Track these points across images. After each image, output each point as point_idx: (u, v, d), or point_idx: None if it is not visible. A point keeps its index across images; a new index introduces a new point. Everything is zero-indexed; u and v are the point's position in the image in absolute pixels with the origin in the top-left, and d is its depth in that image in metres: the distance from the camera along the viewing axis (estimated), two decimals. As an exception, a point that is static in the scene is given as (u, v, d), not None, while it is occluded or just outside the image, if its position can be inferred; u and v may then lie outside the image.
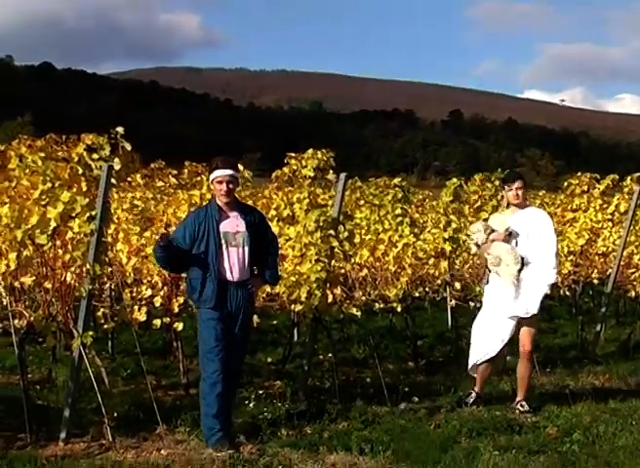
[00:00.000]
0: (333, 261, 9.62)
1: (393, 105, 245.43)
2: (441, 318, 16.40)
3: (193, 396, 9.53)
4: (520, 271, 9.22)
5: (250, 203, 10.81)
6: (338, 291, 9.81)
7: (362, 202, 13.62)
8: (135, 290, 9.44)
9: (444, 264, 12.11)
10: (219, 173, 7.82)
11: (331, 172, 9.88)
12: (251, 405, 9.02)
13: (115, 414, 8.28)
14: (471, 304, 11.73)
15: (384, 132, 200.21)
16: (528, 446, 7.80)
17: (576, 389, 10.25)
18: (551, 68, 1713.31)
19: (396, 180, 13.02)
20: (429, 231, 12.69)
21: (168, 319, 9.37)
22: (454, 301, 12.26)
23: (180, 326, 9.47)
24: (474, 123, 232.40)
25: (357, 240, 11.20)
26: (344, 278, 10.78)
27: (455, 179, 12.75)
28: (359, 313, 10.03)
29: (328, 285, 9.48)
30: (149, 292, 9.23)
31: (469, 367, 9.66)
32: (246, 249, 7.84)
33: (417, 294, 12.10)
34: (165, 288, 9.47)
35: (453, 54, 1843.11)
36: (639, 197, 13.07)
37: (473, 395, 9.57)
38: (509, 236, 9.37)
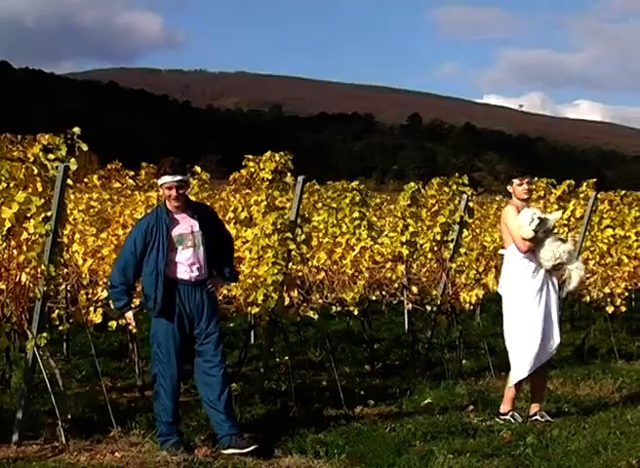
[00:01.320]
0: (290, 264, 9.62)
1: (353, 109, 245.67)
2: (398, 321, 16.50)
3: (149, 398, 9.49)
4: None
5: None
6: (295, 293, 9.79)
7: (320, 205, 13.66)
8: (91, 291, 9.38)
9: (401, 268, 12.14)
10: (167, 179, 7.67)
11: (289, 174, 9.87)
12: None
13: (69, 417, 8.19)
14: (428, 308, 11.77)
15: (343, 135, 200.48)
16: (482, 449, 7.82)
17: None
18: (511, 74, 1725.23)
19: (354, 184, 13.05)
20: (387, 235, 12.71)
21: (124, 321, 9.31)
22: (410, 305, 12.29)
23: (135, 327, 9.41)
24: (433, 127, 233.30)
25: (314, 243, 11.21)
26: (301, 281, 10.77)
27: (412, 183, 12.78)
28: (316, 316, 10.05)
29: (285, 287, 9.48)
30: (105, 293, 9.15)
31: (517, 378, 9.06)
32: (201, 248, 7.75)
33: (374, 298, 12.12)
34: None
35: (413, 57, 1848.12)
36: (594, 203, 13.21)
37: (517, 415, 9.08)
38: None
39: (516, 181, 9.07)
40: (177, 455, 7.36)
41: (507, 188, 9.30)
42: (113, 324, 9.18)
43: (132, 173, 12.37)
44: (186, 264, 7.72)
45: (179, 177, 7.66)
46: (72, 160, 7.84)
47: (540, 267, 8.89)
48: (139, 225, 7.89)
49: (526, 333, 8.92)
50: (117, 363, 11.74)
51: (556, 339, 9.02)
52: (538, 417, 9.01)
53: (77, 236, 10.29)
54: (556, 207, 14.59)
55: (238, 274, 8.58)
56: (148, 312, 8.09)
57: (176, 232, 7.70)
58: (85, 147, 8.00)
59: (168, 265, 7.64)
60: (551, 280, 8.99)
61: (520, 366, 8.96)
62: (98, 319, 8.94)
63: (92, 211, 11.30)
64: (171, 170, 7.67)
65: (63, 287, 9.82)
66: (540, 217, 8.71)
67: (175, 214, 7.76)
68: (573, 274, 9.04)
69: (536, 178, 15.03)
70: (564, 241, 9.26)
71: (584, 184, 14.99)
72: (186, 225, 7.76)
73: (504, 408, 9.08)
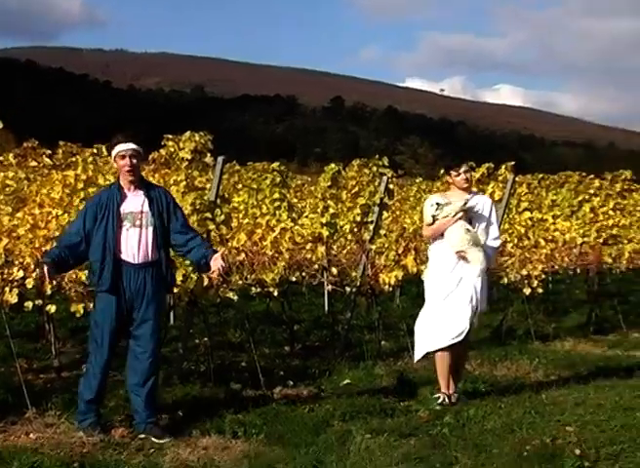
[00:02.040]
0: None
1: (275, 91, 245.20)
2: (318, 303, 16.52)
3: (65, 379, 9.43)
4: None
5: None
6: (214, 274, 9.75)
7: (240, 186, 13.64)
8: (6, 271, 9.20)
9: (321, 249, 12.16)
10: (121, 147, 7.50)
11: (208, 155, 9.81)
12: (125, 390, 8.94)
13: (-17, 398, 8.10)
14: (347, 289, 11.82)
15: (266, 117, 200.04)
16: (400, 429, 7.88)
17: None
18: (434, 57, 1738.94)
19: (275, 165, 13.07)
20: (307, 216, 12.72)
21: (40, 301, 9.18)
22: (330, 286, 12.33)
23: (52, 308, 9.25)
24: (355, 110, 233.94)
25: (234, 224, 11.17)
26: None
27: (333, 165, 12.82)
28: (236, 297, 10.01)
29: (204, 268, 9.42)
30: (21, 273, 9.00)
31: (417, 357, 9.24)
32: (149, 229, 7.53)
33: (294, 279, 12.11)
34: (37, 269, 9.26)
35: (336, 40, 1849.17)
36: (513, 186, 13.38)
37: (441, 397, 9.01)
38: (464, 214, 8.96)
39: (453, 173, 9.11)
40: (93, 436, 7.31)
41: (447, 180, 9.39)
42: (29, 304, 9.04)
43: (49, 151, 12.20)
44: (131, 245, 7.49)
45: (132, 146, 7.52)
46: (-14, 137, 7.71)
47: (451, 254, 8.92)
48: (90, 202, 7.70)
49: (425, 313, 9.11)
50: (33, 344, 11.58)
51: (461, 325, 8.89)
52: (440, 400, 8.96)
53: (-8, 215, 10.10)
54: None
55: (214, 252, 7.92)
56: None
57: (125, 209, 7.50)
58: (0, 125, 7.87)
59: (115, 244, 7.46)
60: (470, 268, 8.90)
61: (418, 343, 9.15)
62: (13, 299, 8.77)
63: (7, 189, 11.10)
64: (124, 139, 7.55)
65: (-23, 267, 9.66)
66: (437, 203, 8.91)
67: (127, 191, 7.58)
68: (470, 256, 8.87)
69: (473, 164, 15.10)
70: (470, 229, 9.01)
71: (503, 167, 15.18)
72: (136, 204, 7.55)
73: (437, 391, 9.11)
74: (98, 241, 7.44)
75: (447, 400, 8.94)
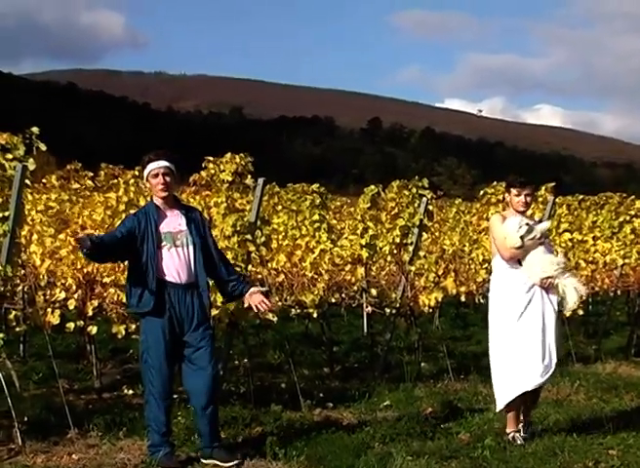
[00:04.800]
0: (249, 266, 9.62)
1: (313, 112, 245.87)
2: (357, 324, 16.52)
3: (106, 400, 9.48)
4: None
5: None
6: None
7: (280, 207, 13.66)
8: (48, 292, 9.28)
9: (360, 271, 12.15)
10: (152, 165, 7.33)
11: (249, 176, 9.85)
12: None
13: (25, 418, 8.17)
14: (387, 311, 11.78)
15: (304, 139, 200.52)
16: (440, 451, 7.84)
17: (488, 396, 10.34)
18: (473, 78, 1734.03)
19: (314, 186, 13.08)
20: (346, 237, 12.71)
21: (82, 322, 9.23)
22: (370, 308, 12.29)
23: (94, 329, 9.31)
24: (393, 131, 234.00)
25: (274, 245, 11.21)
26: (261, 283, 10.75)
27: (372, 186, 12.81)
28: (275, 318, 10.02)
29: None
30: (63, 294, 9.07)
31: (502, 404, 8.30)
32: (190, 248, 7.36)
33: (333, 300, 12.12)
34: (79, 290, 9.33)
35: (375, 61, 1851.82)
36: (553, 207, 13.31)
37: (518, 436, 8.31)
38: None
39: (514, 191, 8.40)
40: (135, 458, 7.32)
41: (504, 196, 8.74)
42: (71, 325, 9.11)
43: (91, 173, 12.31)
44: (173, 265, 7.33)
45: (164, 163, 7.34)
46: (30, 160, 7.80)
47: (530, 280, 8.21)
48: (127, 218, 7.56)
49: (509, 352, 8.19)
50: (74, 365, 11.67)
51: (551, 360, 8.14)
52: (510, 437, 8.29)
53: (35, 237, 10.19)
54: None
55: (247, 278, 7.96)
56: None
57: (163, 229, 7.34)
58: (43, 147, 7.97)
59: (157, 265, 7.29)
60: (547, 296, 8.23)
61: (503, 388, 8.26)
62: (55, 320, 8.84)
63: (50, 211, 11.20)
64: (155, 157, 7.39)
65: (21, 288, 9.75)
66: (527, 224, 8.25)
67: (163, 211, 7.43)
68: (567, 291, 8.25)
69: (495, 183, 14.96)
70: (554, 253, 8.64)
71: (543, 188, 15.09)
72: (174, 223, 7.40)
73: (507, 428, 8.42)
74: (138, 261, 7.27)
75: (520, 437, 8.29)
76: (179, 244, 7.35)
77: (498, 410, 8.52)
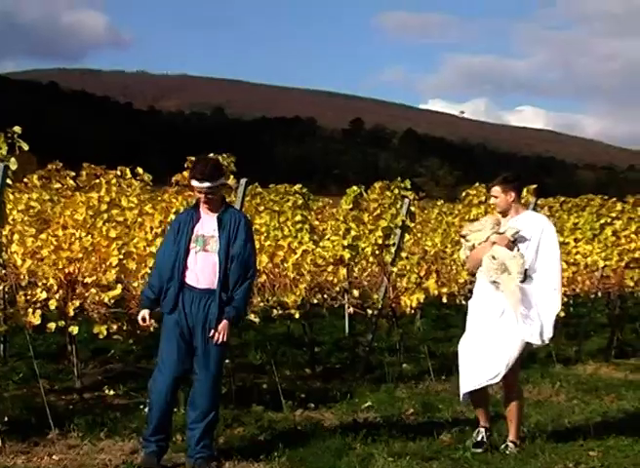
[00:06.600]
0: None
1: (295, 113, 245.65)
2: (339, 325, 16.50)
3: (87, 400, 9.45)
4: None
5: (149, 207, 10.72)
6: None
7: (262, 208, 13.66)
8: (29, 292, 9.25)
9: (343, 271, 12.17)
10: (195, 184, 7.26)
11: (231, 177, 9.85)
12: (145, 409, 8.93)
13: (6, 419, 8.12)
14: (369, 312, 11.81)
15: (285, 139, 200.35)
16: (422, 452, 7.87)
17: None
18: (456, 79, 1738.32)
19: (296, 187, 13.10)
20: (329, 238, 12.72)
21: (63, 322, 9.20)
22: (352, 309, 12.33)
23: (75, 329, 9.28)
24: (375, 132, 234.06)
25: (257, 246, 11.18)
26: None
27: (355, 187, 12.84)
28: (257, 319, 10.03)
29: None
30: (44, 294, 9.04)
31: (462, 396, 8.22)
32: (216, 256, 7.26)
33: (315, 301, 12.12)
34: (60, 290, 9.29)
35: (357, 62, 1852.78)
36: (534, 209, 13.34)
37: (482, 431, 8.23)
38: (513, 243, 8.04)
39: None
40: (116, 458, 7.30)
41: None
42: (52, 326, 9.08)
43: (73, 173, 12.25)
44: (197, 269, 7.29)
45: (207, 184, 7.20)
46: (12, 159, 7.78)
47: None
48: (174, 220, 7.69)
49: (473, 348, 8.09)
50: (55, 365, 11.60)
51: (499, 374, 7.93)
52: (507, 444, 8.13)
53: (16, 236, 10.12)
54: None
55: (240, 312, 7.54)
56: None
57: (198, 231, 7.32)
58: (26, 147, 7.95)
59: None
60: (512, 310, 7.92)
61: (461, 381, 8.17)
62: (36, 320, 8.80)
63: (31, 211, 11.17)
64: (200, 176, 7.22)
65: (1, 288, 9.72)
66: (462, 235, 8.33)
67: (204, 213, 7.39)
68: (509, 264, 7.90)
69: (477, 184, 14.99)
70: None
71: (525, 190, 15.13)
72: (209, 228, 7.34)
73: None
74: (170, 260, 7.30)
75: (485, 436, 8.19)
76: (207, 249, 7.30)
77: (462, 401, 8.55)
